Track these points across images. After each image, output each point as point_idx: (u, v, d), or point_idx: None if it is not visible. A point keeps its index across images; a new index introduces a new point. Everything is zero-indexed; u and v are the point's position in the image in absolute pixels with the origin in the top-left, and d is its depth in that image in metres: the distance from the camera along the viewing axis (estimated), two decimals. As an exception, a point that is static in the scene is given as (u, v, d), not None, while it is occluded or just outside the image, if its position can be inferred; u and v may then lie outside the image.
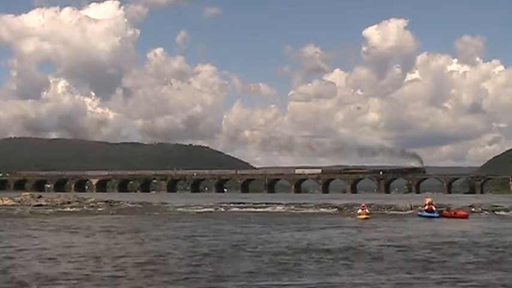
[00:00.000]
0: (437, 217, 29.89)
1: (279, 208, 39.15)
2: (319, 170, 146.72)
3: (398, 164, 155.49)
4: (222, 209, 38.23)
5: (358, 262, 12.77)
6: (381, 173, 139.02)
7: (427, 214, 30.56)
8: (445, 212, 31.34)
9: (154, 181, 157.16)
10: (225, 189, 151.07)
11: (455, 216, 29.97)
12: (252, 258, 13.34)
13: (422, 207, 32.10)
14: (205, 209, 37.97)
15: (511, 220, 28.87)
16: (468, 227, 23.64)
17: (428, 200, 32.17)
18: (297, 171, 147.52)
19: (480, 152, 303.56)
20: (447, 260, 13.16)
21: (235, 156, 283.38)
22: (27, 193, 48.77)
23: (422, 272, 11.42)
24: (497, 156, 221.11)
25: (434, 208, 30.95)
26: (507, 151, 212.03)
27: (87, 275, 10.84)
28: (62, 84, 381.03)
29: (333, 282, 10.23)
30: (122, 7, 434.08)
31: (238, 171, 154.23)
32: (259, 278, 10.65)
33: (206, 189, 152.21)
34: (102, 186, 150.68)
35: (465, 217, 29.90)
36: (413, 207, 35.29)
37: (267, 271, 11.45)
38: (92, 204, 41.61)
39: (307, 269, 11.82)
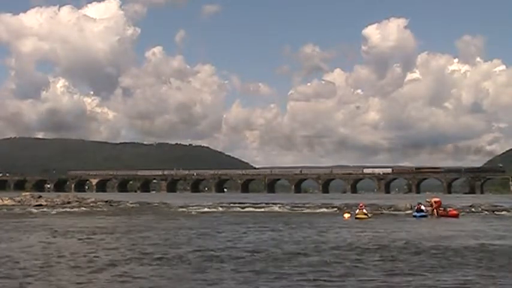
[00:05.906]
0: (420, 217, 30.23)
1: (276, 208, 39.02)
2: (381, 171, 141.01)
3: (398, 164, 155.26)
4: (221, 209, 38.16)
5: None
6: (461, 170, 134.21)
7: (415, 214, 31.11)
8: (441, 211, 31.61)
9: (154, 181, 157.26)
10: (225, 189, 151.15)
11: (447, 215, 30.64)
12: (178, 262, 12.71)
13: (429, 207, 32.14)
14: (204, 209, 37.94)
15: (507, 220, 28.80)
16: (442, 228, 23.16)
17: (434, 199, 32.77)
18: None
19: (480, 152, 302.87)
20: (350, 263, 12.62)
21: (235, 156, 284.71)
22: (27, 193, 48.74)
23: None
24: (497, 156, 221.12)
25: (423, 207, 31.52)
26: (507, 151, 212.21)
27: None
28: (61, 83, 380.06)
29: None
30: (122, 6, 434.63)
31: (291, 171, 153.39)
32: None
33: (206, 189, 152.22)
34: (102, 186, 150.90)
35: (456, 216, 30.58)
36: (413, 207, 35.25)
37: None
38: (91, 204, 41.63)
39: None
